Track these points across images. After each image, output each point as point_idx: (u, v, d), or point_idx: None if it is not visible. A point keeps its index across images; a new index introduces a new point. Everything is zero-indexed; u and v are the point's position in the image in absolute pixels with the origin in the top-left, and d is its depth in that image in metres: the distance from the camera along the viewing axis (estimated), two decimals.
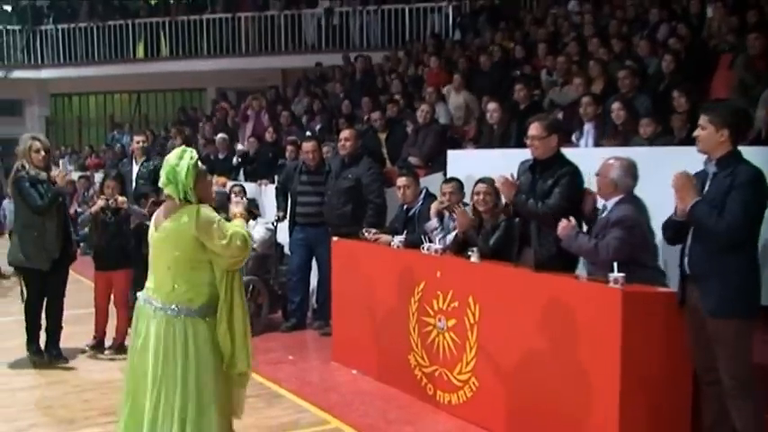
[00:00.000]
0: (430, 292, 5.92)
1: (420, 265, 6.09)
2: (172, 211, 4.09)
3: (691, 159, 4.52)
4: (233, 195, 4.53)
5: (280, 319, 8.55)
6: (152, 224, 4.21)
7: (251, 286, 8.16)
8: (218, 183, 10.38)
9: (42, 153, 6.85)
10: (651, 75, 8.82)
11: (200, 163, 4.13)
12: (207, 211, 4.05)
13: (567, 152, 5.54)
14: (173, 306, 4.04)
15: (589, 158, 5.81)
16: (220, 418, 4.08)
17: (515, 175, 5.50)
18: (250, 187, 10.38)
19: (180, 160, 4.06)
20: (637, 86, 8.10)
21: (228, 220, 4.25)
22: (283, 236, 8.68)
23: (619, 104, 7.50)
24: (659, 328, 4.49)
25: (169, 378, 4.02)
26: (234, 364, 4.12)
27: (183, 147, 4.26)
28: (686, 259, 4.30)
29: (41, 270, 6.80)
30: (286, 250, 8.82)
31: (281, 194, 8.70)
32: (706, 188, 4.25)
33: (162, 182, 4.11)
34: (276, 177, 9.43)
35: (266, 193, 9.99)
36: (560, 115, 8.33)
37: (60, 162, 7.39)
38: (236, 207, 4.42)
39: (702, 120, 4.27)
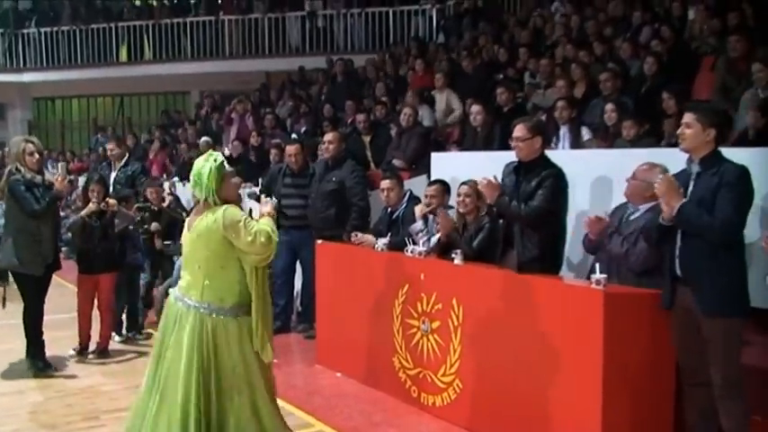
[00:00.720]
0: (414, 295, 5.93)
1: (404, 268, 6.10)
2: (201, 212, 4.35)
3: (675, 160, 4.54)
4: (262, 196, 4.82)
5: None
6: (186, 225, 4.48)
7: None
8: None
9: (36, 156, 6.74)
10: (633, 77, 8.87)
11: (226, 165, 4.38)
12: (233, 210, 4.29)
13: (550, 155, 5.55)
14: (205, 305, 4.26)
15: (571, 161, 5.83)
16: (251, 414, 4.29)
17: (499, 177, 5.51)
18: None
19: (205, 163, 4.34)
20: (619, 89, 8.15)
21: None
22: None
23: (612, 106, 7.51)
24: (642, 330, 4.50)
25: (205, 375, 4.22)
26: (266, 355, 4.36)
27: (210, 150, 4.55)
28: (677, 261, 4.28)
29: (35, 275, 6.66)
30: None
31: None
32: (690, 188, 4.25)
33: (191, 184, 4.39)
34: (260, 180, 9.42)
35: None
36: (543, 118, 8.35)
37: (59, 165, 7.24)
38: (265, 206, 4.65)
39: (688, 117, 4.25)
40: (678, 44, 9.34)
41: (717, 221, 4.06)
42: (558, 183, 5.22)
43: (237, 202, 4.49)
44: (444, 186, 6.72)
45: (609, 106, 7.54)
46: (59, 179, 6.79)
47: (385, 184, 7.17)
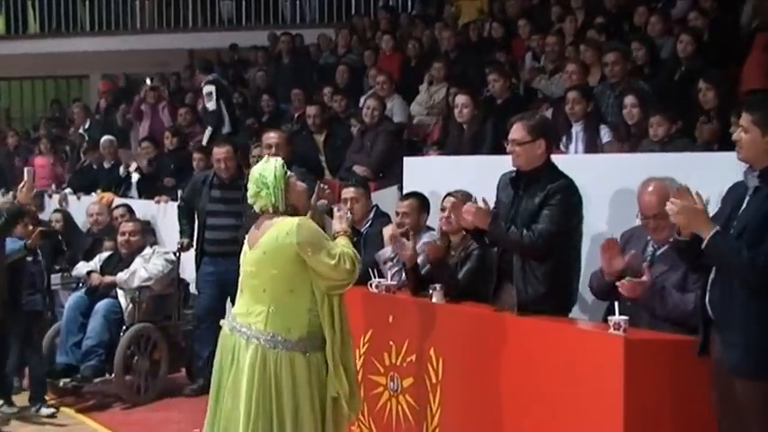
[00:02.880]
0: (379, 343, 5.93)
1: (367, 307, 6.08)
2: (266, 225, 4.69)
3: (718, 168, 4.57)
4: (335, 209, 5.04)
5: (183, 379, 8.46)
6: (245, 243, 4.84)
7: (144, 337, 8.09)
8: (102, 201, 10.30)
9: None
10: (664, 60, 8.92)
11: (287, 171, 4.78)
12: (309, 222, 4.70)
13: (558, 161, 5.57)
14: (269, 336, 4.60)
15: (584, 169, 5.86)
16: None
17: (491, 192, 5.50)
18: (145, 205, 10.30)
19: (266, 165, 4.76)
20: (628, 74, 8.18)
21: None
22: (188, 270, 8.61)
23: (633, 99, 7.47)
24: (671, 383, 4.53)
25: (265, 418, 4.55)
26: (351, 406, 4.77)
27: (267, 156, 4.96)
28: (707, 298, 4.26)
29: None
30: (192, 288, 8.76)
31: (185, 215, 8.63)
32: (743, 206, 4.19)
33: (251, 194, 4.76)
34: (179, 193, 9.36)
35: (166, 214, 9.90)
36: (549, 112, 8.39)
37: (25, 171, 7.06)
38: (341, 223, 4.95)
39: (745, 120, 4.18)
40: (724, 17, 9.39)
41: (759, 263, 3.96)
42: (568, 198, 5.23)
43: (305, 212, 4.88)
44: (421, 201, 6.71)
45: (629, 99, 7.49)
46: (26, 189, 6.68)
47: (348, 192, 7.10)
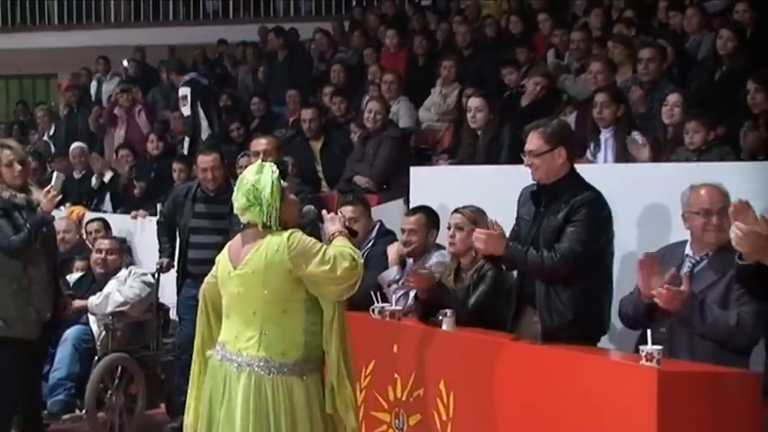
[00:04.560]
0: (383, 375, 5.95)
1: (369, 335, 6.09)
2: (254, 241, 4.73)
3: (764, 179, 4.57)
4: (324, 211, 5.09)
5: (163, 416, 8.46)
6: (223, 261, 4.90)
7: (118, 368, 8.08)
8: (71, 216, 10.30)
9: (17, 166, 6.83)
10: (701, 60, 8.92)
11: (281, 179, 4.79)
12: (299, 235, 4.71)
13: (583, 170, 5.61)
14: (262, 361, 4.66)
15: (610, 179, 5.87)
16: None
17: (508, 211, 5.52)
18: (120, 221, 10.30)
19: (260, 175, 4.74)
20: (664, 74, 8.20)
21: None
22: (169, 293, 8.61)
23: (678, 97, 7.48)
24: (708, 420, 4.51)
25: None
26: (349, 421, 4.80)
27: (260, 161, 4.91)
28: None
29: (24, 339, 6.71)
30: (173, 314, 8.76)
31: (165, 232, 8.64)
32: None
33: (239, 206, 4.77)
34: (159, 207, 9.38)
35: (143, 231, 9.91)
36: (573, 116, 8.39)
37: (54, 175, 7.18)
38: (333, 224, 5.00)
39: None
40: None
41: None
42: (595, 213, 5.26)
43: (298, 225, 4.88)
44: (429, 216, 6.72)
45: (673, 97, 7.46)
46: (50, 196, 6.82)
47: (346, 211, 7.12)
